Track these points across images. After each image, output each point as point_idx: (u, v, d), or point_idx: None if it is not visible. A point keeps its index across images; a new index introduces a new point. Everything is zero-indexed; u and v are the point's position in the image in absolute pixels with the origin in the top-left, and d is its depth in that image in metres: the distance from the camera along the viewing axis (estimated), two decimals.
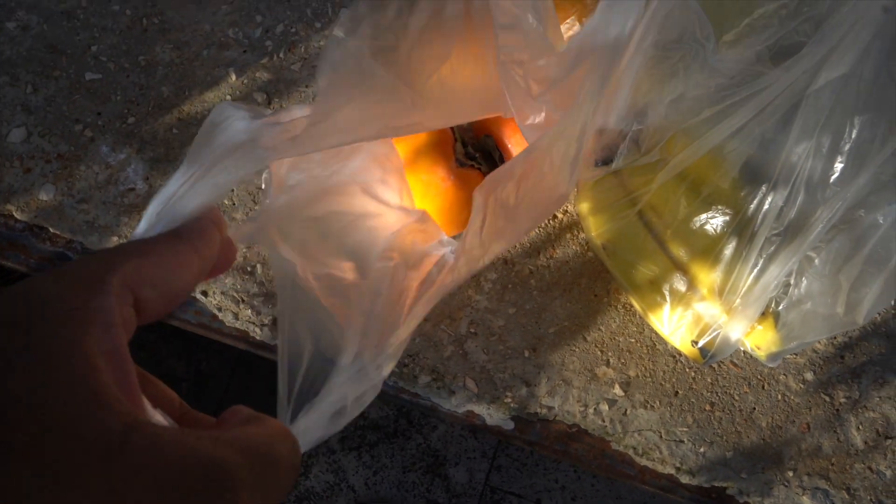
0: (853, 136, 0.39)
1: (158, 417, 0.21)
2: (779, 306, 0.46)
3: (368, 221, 0.37)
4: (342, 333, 0.31)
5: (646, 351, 0.56)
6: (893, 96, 0.35)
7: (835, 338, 0.57)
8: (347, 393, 0.29)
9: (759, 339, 0.47)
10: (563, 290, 0.56)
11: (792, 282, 0.45)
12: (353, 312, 0.32)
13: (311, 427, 0.27)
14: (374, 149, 0.37)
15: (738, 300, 0.46)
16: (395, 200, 0.38)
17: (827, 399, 0.56)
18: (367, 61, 0.28)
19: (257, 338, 0.56)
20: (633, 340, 0.56)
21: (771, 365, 0.47)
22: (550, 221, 0.57)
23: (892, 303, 0.56)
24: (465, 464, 1.03)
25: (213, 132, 0.25)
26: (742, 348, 0.48)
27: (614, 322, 0.56)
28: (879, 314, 0.57)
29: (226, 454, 0.18)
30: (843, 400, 0.56)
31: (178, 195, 0.24)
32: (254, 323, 0.56)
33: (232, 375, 1.05)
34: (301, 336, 0.31)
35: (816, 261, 0.43)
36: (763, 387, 0.56)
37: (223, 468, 0.18)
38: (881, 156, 0.36)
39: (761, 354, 0.47)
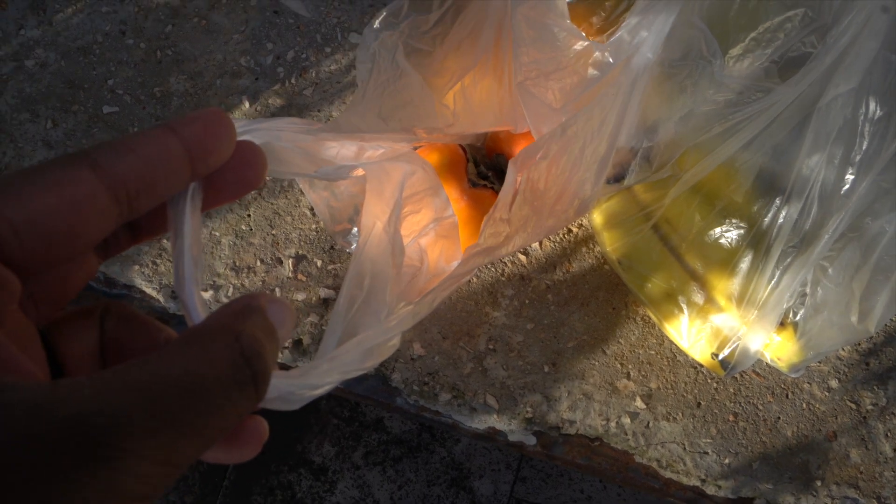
0: (864, 146, 0.39)
1: (35, 374, 0.18)
2: (797, 317, 0.45)
3: (428, 197, 0.37)
4: (388, 289, 0.31)
5: (666, 363, 0.56)
6: None
7: (859, 344, 0.56)
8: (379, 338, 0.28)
9: (779, 351, 0.46)
10: (580, 303, 0.56)
11: (808, 291, 0.44)
12: (398, 276, 0.33)
13: (347, 358, 0.26)
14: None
15: (755, 311, 0.45)
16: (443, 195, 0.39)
17: (853, 406, 0.56)
18: (400, 59, 0.29)
19: (278, 360, 0.57)
20: (653, 352, 0.56)
21: (793, 375, 0.47)
22: (566, 235, 0.57)
23: None
24: (490, 476, 1.03)
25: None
26: (762, 360, 0.47)
27: (633, 335, 0.56)
28: (892, 318, 0.56)
29: (107, 402, 0.15)
30: (869, 407, 0.56)
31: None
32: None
33: None
34: (364, 275, 0.31)
35: (830, 270, 0.43)
36: (787, 396, 0.56)
37: (90, 423, 0.15)
38: (880, 162, 0.36)
39: (783, 365, 0.46)
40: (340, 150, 0.32)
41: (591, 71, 0.32)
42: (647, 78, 0.36)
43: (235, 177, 0.21)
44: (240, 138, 0.22)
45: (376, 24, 0.29)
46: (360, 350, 0.24)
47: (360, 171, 0.30)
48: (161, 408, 0.16)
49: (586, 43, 0.33)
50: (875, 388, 0.56)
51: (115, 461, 0.15)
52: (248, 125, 0.24)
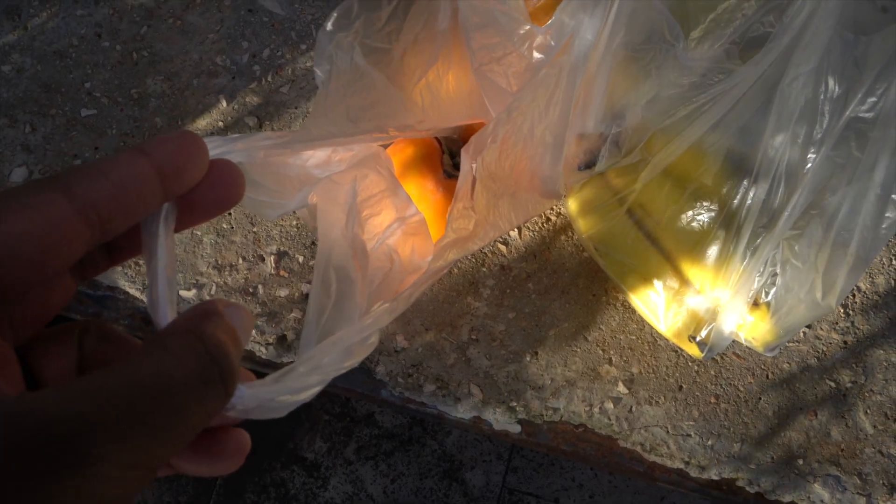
0: (824, 124, 0.40)
1: (5, 392, 0.18)
2: (769, 296, 0.46)
3: (387, 198, 0.38)
4: (356, 291, 0.31)
5: (647, 347, 0.57)
6: (857, 80, 0.36)
7: (836, 322, 0.57)
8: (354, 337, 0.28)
9: (754, 331, 0.47)
10: (561, 291, 0.57)
11: (778, 271, 0.45)
12: (364, 278, 0.33)
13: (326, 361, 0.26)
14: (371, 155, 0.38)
15: (728, 292, 0.46)
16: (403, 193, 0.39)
17: (833, 385, 0.56)
18: (359, 59, 0.29)
19: (263, 356, 0.57)
20: (633, 337, 0.57)
21: (769, 355, 0.47)
22: (544, 224, 0.58)
23: (856, 285, 0.57)
24: (482, 467, 1.04)
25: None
26: (738, 341, 0.48)
27: (614, 320, 0.57)
28: (880, 296, 0.57)
29: (74, 409, 0.15)
30: (848, 385, 0.56)
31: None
32: (258, 343, 0.57)
33: None
34: (329, 282, 0.31)
35: (797, 248, 0.44)
36: (767, 376, 0.57)
37: (58, 430, 0.15)
38: (832, 138, 0.36)
39: (758, 345, 0.47)
40: (311, 157, 0.33)
41: (536, 54, 0.32)
42: (599, 63, 0.36)
43: (211, 196, 0.21)
44: (215, 156, 0.22)
45: (329, 27, 0.29)
46: (337, 350, 0.25)
47: (314, 198, 0.30)
48: (129, 411, 0.16)
49: (528, 27, 0.33)
50: (854, 365, 0.56)
51: (85, 467, 0.15)
52: (221, 144, 0.24)
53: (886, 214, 0.38)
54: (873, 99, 0.39)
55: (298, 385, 0.22)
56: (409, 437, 1.06)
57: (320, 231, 0.32)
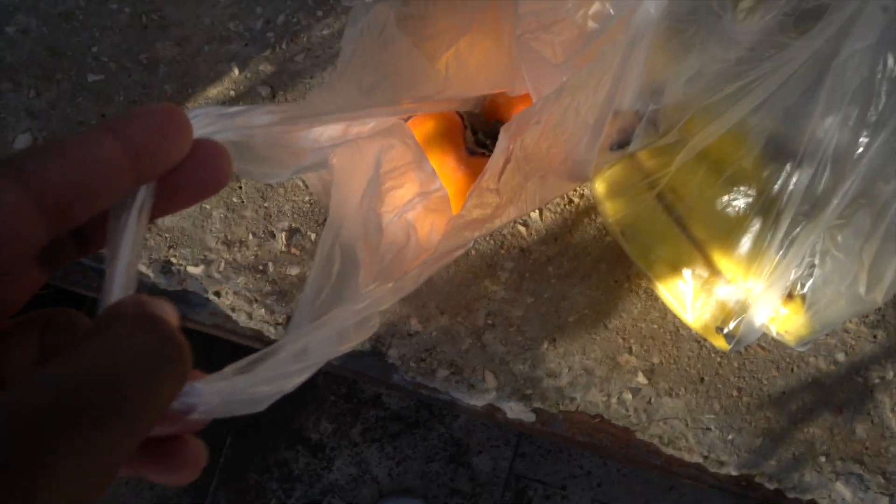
0: (880, 106, 0.37)
1: None
2: (805, 288, 0.44)
3: (411, 171, 0.36)
4: (360, 271, 0.29)
5: (669, 337, 0.55)
6: None
7: (867, 316, 0.55)
8: (349, 319, 0.26)
9: (786, 324, 0.45)
10: (582, 276, 0.55)
11: (817, 262, 0.43)
12: (372, 258, 0.31)
13: (317, 345, 0.24)
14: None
15: (762, 282, 0.44)
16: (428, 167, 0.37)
17: (860, 381, 0.54)
18: (390, 27, 0.27)
19: (272, 336, 0.55)
20: (655, 326, 0.55)
21: (801, 349, 0.45)
22: (567, 206, 0.56)
23: None
24: (489, 452, 1.02)
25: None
26: (768, 333, 0.46)
27: (636, 308, 0.55)
28: None
29: (19, 410, 0.14)
30: (876, 381, 0.54)
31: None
32: (268, 322, 0.55)
33: None
34: (333, 260, 0.29)
35: (840, 238, 0.41)
36: (792, 370, 0.55)
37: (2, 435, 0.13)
38: (893, 121, 0.34)
39: (790, 339, 0.45)
40: (325, 131, 0.30)
41: (591, 24, 0.30)
42: (649, 36, 0.34)
43: (194, 178, 0.19)
44: (202, 135, 0.20)
45: None
46: (327, 333, 0.22)
47: (335, 158, 0.28)
48: (81, 403, 0.14)
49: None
50: (882, 361, 0.54)
51: (38, 471, 0.13)
52: (214, 121, 0.21)
53: None
54: None
55: (276, 373, 0.20)
56: (415, 420, 1.04)
57: (333, 201, 0.30)
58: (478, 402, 0.55)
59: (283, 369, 0.20)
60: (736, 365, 0.55)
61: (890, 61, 0.36)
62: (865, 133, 0.36)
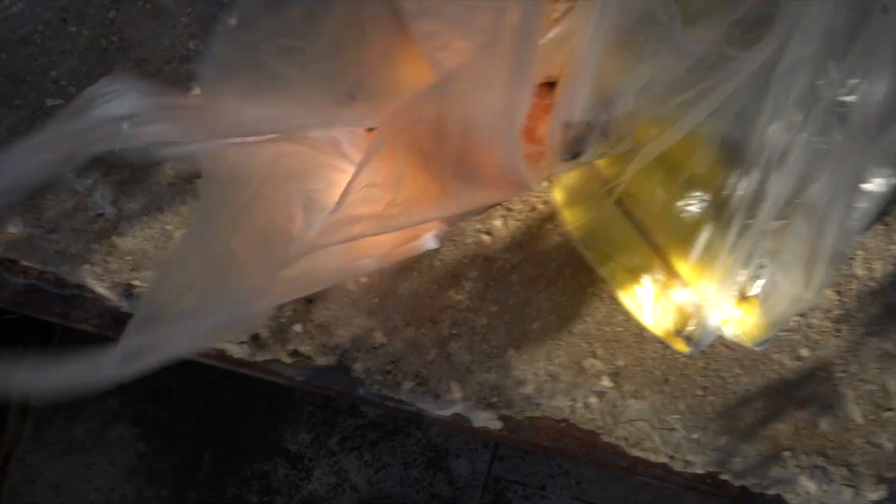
0: (815, 110, 0.38)
1: None
2: (757, 290, 0.45)
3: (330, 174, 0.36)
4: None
5: (634, 339, 0.55)
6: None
7: (830, 311, 0.56)
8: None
9: (742, 325, 0.45)
10: (546, 282, 0.55)
11: (766, 263, 0.44)
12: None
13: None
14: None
15: (714, 285, 0.45)
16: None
17: (823, 375, 0.55)
18: (268, 59, 0.27)
19: (235, 356, 0.55)
20: (620, 329, 0.55)
21: (758, 349, 0.46)
22: (530, 213, 0.56)
23: (853, 272, 0.55)
24: (467, 455, 1.03)
25: (94, 102, 0.23)
26: (724, 335, 0.47)
27: (600, 312, 0.55)
28: (877, 282, 0.55)
29: None
30: (840, 374, 0.55)
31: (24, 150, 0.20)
32: (230, 341, 0.55)
33: (230, 393, 1.05)
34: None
35: (784, 239, 0.42)
36: (757, 367, 0.55)
37: None
38: (816, 123, 0.34)
39: (746, 340, 0.46)
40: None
41: (482, 36, 0.30)
42: (588, 46, 0.34)
43: None
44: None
45: (233, 22, 0.27)
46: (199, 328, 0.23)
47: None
48: None
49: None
50: (845, 355, 0.55)
51: None
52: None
53: (857, 205, 0.37)
54: (855, 80, 0.37)
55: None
56: (393, 427, 1.05)
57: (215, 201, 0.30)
58: (444, 412, 0.55)
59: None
60: (701, 364, 0.55)
61: (832, 67, 0.37)
62: (801, 136, 0.37)
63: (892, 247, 0.55)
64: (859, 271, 0.55)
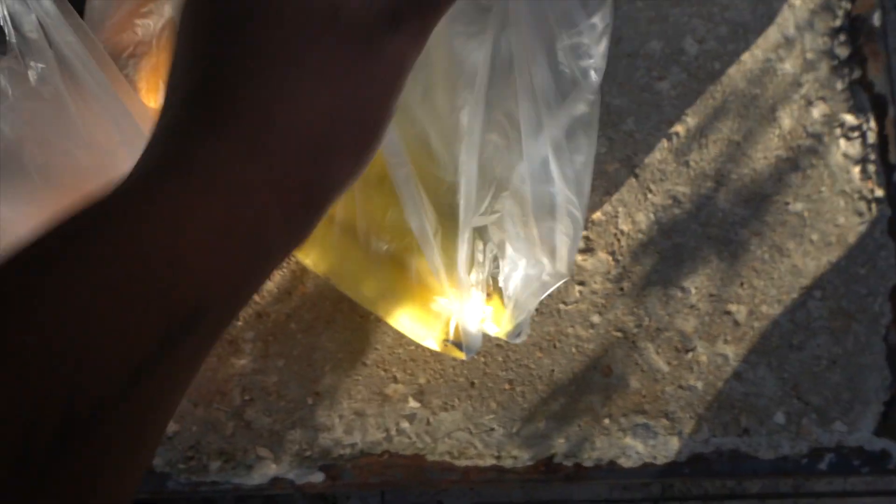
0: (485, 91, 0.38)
1: None
2: (501, 283, 0.44)
3: None
4: None
5: (429, 354, 0.54)
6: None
7: (608, 272, 0.56)
8: None
9: (496, 320, 0.45)
10: (325, 323, 0.54)
11: (498, 254, 0.43)
12: None
13: None
14: None
15: (461, 288, 0.44)
16: None
17: (620, 335, 0.56)
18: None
19: None
20: (413, 348, 0.54)
21: (515, 342, 0.46)
22: (292, 257, 0.54)
23: (618, 227, 0.56)
24: (357, 493, 1.01)
25: None
26: (488, 333, 0.46)
27: (388, 336, 0.54)
28: (644, 233, 0.56)
29: None
30: (635, 330, 0.56)
31: None
32: None
33: None
34: None
35: (504, 226, 0.42)
36: (554, 346, 0.55)
37: None
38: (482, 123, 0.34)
39: (503, 335, 0.45)
40: None
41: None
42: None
43: None
44: None
45: None
46: None
47: None
48: None
49: None
50: (635, 310, 0.56)
51: None
52: None
53: (548, 189, 0.37)
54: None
55: None
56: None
57: None
58: (261, 480, 0.53)
59: None
60: (500, 359, 0.55)
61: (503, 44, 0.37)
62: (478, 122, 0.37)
63: (650, 195, 0.56)
64: (624, 227, 0.56)
